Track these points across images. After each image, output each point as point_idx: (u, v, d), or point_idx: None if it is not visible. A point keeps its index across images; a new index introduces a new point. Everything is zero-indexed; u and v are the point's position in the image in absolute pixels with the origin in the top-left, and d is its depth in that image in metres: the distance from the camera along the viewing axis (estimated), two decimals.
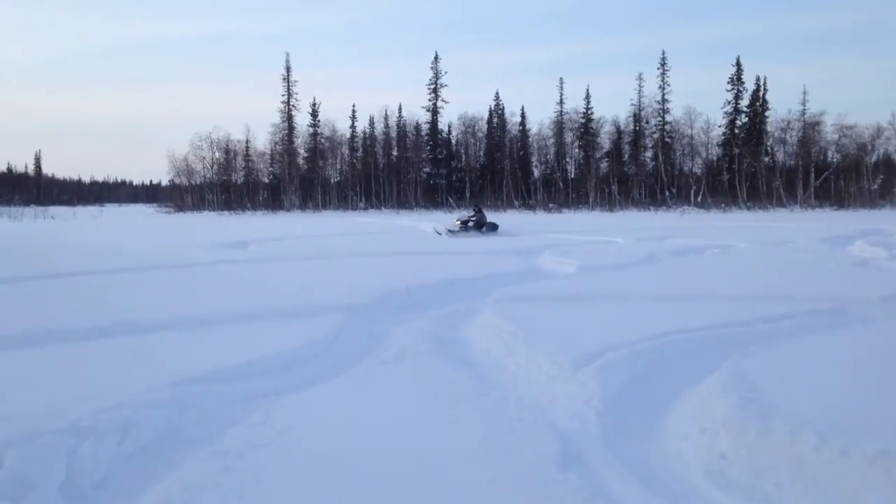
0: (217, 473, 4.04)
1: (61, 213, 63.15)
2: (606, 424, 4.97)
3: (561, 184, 74.71)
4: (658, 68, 70.69)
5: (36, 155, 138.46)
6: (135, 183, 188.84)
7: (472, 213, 26.93)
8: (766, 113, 67.44)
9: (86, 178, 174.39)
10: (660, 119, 71.65)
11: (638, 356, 6.25)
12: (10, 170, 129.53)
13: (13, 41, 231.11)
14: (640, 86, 72.45)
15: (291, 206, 75.88)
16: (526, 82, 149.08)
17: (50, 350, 6.96)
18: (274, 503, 3.69)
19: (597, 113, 75.21)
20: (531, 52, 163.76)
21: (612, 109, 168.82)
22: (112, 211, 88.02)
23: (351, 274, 13.47)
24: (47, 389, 5.43)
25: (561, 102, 75.19)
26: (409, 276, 12.56)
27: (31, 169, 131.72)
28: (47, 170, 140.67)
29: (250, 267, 15.01)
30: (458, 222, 26.14)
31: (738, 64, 67.84)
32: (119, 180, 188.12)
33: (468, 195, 75.26)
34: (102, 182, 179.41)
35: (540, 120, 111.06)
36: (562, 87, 75.23)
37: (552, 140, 77.12)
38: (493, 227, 26.38)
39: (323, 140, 79.90)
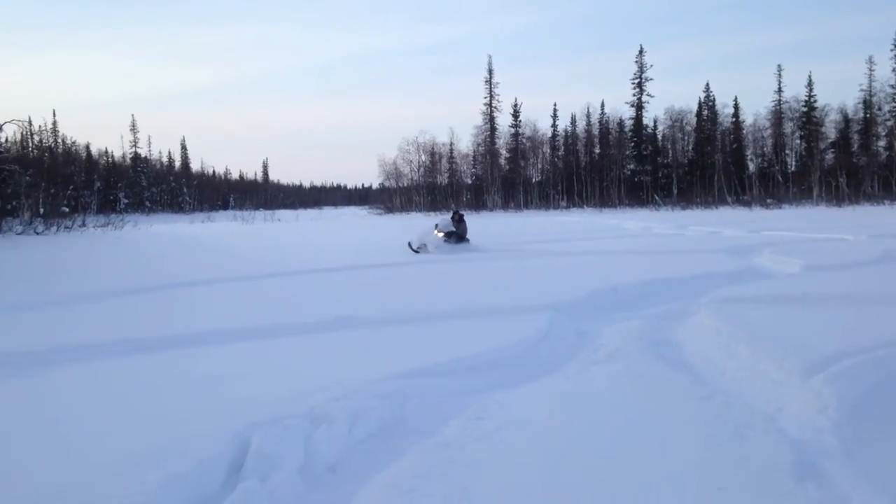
0: (441, 463, 4.19)
1: (286, 216, 68.75)
2: (845, 435, 4.56)
3: (780, 178, 69.65)
4: (892, 49, 63.80)
5: (263, 163, 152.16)
6: (348, 187, 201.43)
7: (450, 221, 20.07)
8: None
9: (306, 184, 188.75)
10: (894, 105, 64.58)
11: (880, 363, 5.68)
12: (241, 177, 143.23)
13: (242, 58, 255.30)
14: (870, 69, 65.86)
15: (494, 206, 77.17)
16: (739, 71, 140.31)
17: (283, 342, 7.63)
18: (495, 496, 3.77)
19: (820, 100, 69.25)
20: (744, 38, 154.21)
21: (838, 96, 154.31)
22: (329, 213, 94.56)
23: (556, 273, 13.46)
24: (285, 377, 5.96)
25: (779, 91, 70.23)
26: (616, 275, 12.34)
27: (259, 176, 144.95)
28: (273, 177, 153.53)
29: (455, 266, 15.45)
30: (441, 234, 19.02)
31: None
32: (334, 185, 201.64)
33: (675, 192, 72.43)
34: (320, 187, 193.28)
35: (755, 110, 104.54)
36: (780, 75, 70.27)
37: (769, 131, 72.22)
38: (464, 240, 19.88)
39: (524, 140, 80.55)
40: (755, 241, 20.42)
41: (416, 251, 18.39)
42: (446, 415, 5.19)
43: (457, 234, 19.38)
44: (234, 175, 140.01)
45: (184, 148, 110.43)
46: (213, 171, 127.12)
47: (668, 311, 9.41)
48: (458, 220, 19.98)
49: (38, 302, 10.77)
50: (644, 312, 9.44)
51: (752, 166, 74.22)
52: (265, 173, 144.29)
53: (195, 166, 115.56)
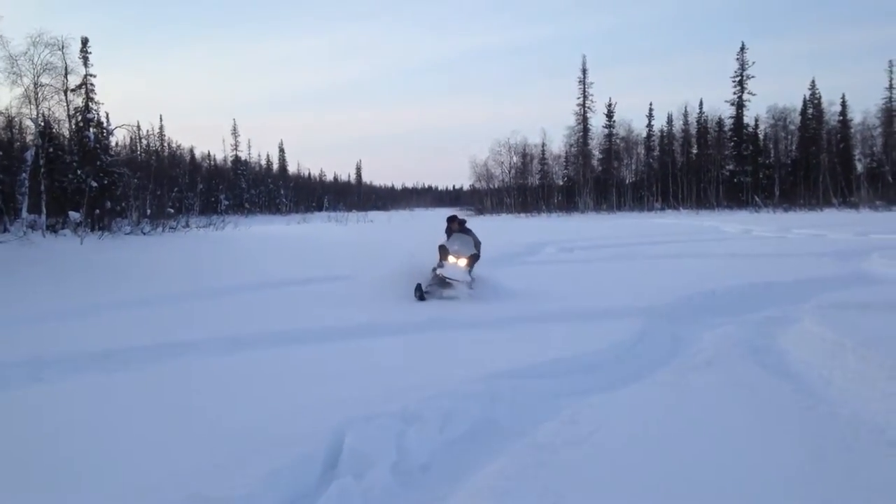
0: (534, 466, 4.18)
1: (378, 217, 69.89)
2: None
3: (890, 178, 65.92)
4: None
5: (357, 165, 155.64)
6: (439, 188, 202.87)
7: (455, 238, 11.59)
8: None
9: (398, 185, 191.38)
10: None
11: None
12: (336, 179, 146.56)
13: (338, 64, 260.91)
14: None
15: (585, 207, 76.19)
16: (847, 68, 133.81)
17: (377, 342, 7.80)
18: (589, 501, 3.73)
19: None
20: (853, 33, 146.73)
21: None
22: (420, 213, 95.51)
23: (651, 275, 13.21)
24: (378, 377, 6.08)
25: (890, 87, 66.66)
26: (714, 278, 12.00)
27: (352, 178, 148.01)
28: (366, 178, 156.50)
29: (551, 267, 15.35)
30: (461, 260, 11.22)
31: None
32: (426, 186, 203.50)
33: (777, 193, 69.64)
34: (412, 188, 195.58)
35: (864, 108, 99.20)
36: (891, 71, 66.59)
37: (879, 130, 68.51)
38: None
39: (618, 140, 79.20)
40: (863, 244, 19.45)
41: (422, 295, 10.83)
42: (539, 417, 5.18)
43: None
44: (329, 177, 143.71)
45: (281, 151, 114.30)
46: (309, 173, 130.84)
47: (770, 317, 9.08)
48: (460, 229, 11.84)
49: (149, 298, 11.37)
50: (744, 318, 9.14)
51: (859, 167, 70.66)
52: (358, 175, 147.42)
53: (292, 169, 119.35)
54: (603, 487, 3.87)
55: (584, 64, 78.53)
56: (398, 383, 5.73)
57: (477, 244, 11.52)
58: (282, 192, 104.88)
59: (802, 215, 50.26)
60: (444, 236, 11.80)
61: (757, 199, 68.14)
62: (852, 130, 70.98)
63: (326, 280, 13.77)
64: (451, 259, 11.13)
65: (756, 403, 5.28)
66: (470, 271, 11.13)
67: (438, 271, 11.03)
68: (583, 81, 78.50)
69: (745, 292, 10.91)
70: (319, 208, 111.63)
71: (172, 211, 37.19)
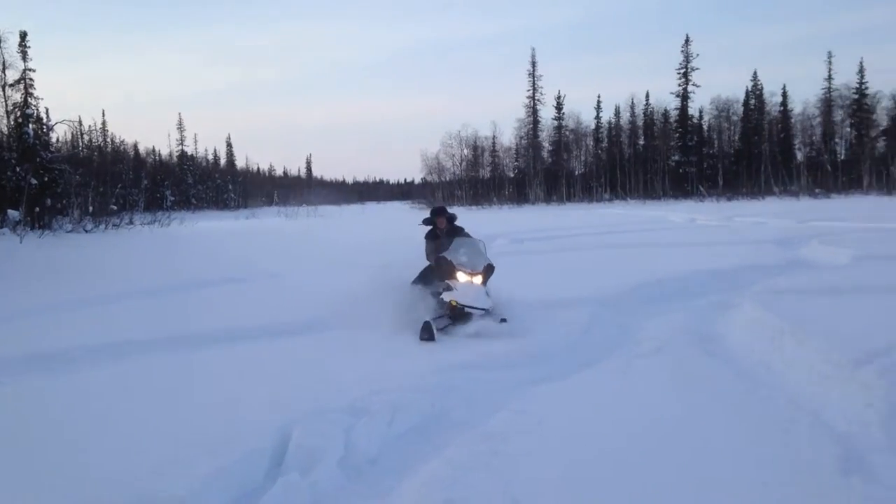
0: (484, 455, 4.18)
1: (329, 212, 69.33)
2: (893, 431, 4.48)
3: (829, 167, 67.97)
4: None
5: (307, 159, 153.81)
6: (390, 182, 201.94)
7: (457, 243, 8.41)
8: None
9: (349, 179, 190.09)
10: None
11: None
12: (285, 174, 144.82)
13: (286, 57, 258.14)
14: None
15: (536, 199, 76.79)
16: (787, 60, 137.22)
17: (323, 337, 7.73)
18: (539, 490, 3.78)
19: (872, 87, 67.25)
20: (793, 26, 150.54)
21: (891, 83, 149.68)
22: (372, 208, 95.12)
23: (599, 265, 13.39)
24: (326, 372, 6.02)
25: (829, 78, 68.64)
26: (661, 267, 12.23)
27: (302, 172, 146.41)
28: (316, 173, 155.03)
29: (501, 259, 15.44)
30: (475, 277, 8.05)
31: None
32: (377, 180, 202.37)
33: (721, 183, 71.15)
34: (363, 182, 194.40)
35: (804, 99, 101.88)
36: (830, 62, 68.62)
37: (818, 120, 70.49)
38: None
39: (567, 132, 79.94)
40: (803, 231, 20.05)
41: (433, 335, 7.42)
42: (490, 408, 5.20)
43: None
44: (279, 172, 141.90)
45: (229, 145, 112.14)
46: (258, 168, 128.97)
47: (714, 304, 9.31)
48: (449, 228, 8.99)
49: (91, 298, 11.09)
50: (689, 305, 9.35)
51: (800, 156, 72.61)
52: (308, 169, 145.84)
53: (240, 163, 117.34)
54: (553, 474, 3.92)
55: (533, 57, 79.11)
56: (346, 378, 5.70)
57: (468, 249, 8.31)
58: (230, 187, 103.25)
59: (745, 204, 51.55)
60: (430, 240, 8.86)
61: (701, 188, 69.56)
62: (793, 121, 72.89)
63: (258, 278, 13.63)
64: (460, 276, 7.95)
65: (698, 389, 5.40)
66: (487, 291, 8.01)
67: (448, 297, 7.86)
68: (532, 74, 78.99)
69: (690, 280, 11.14)
70: (269, 203, 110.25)
71: (116, 208, 36.29)
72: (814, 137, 71.83)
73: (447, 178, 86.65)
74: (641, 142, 78.27)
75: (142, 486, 3.60)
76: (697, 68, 73.32)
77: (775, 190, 66.36)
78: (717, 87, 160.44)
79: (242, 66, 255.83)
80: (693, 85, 73.10)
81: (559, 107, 78.70)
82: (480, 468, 3.97)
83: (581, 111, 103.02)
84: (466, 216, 45.53)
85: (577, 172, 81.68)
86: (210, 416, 4.72)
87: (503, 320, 7.66)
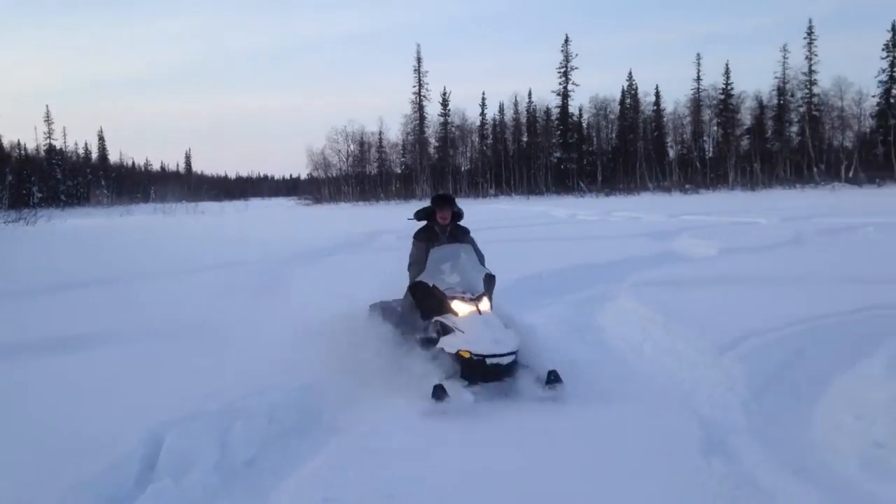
0: (362, 454, 4.19)
1: (210, 208, 67.11)
2: (752, 412, 4.80)
3: (698, 164, 71.88)
4: (804, 38, 66.40)
5: (186, 154, 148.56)
6: (276, 177, 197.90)
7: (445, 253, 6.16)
8: None
9: (231, 174, 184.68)
10: (806, 92, 67.34)
11: (786, 341, 5.98)
12: (163, 168, 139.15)
13: (164, 49, 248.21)
14: (784, 58, 68.41)
15: (423, 194, 77.14)
16: (660, 60, 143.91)
17: (200, 340, 7.42)
18: (415, 487, 3.79)
19: (737, 88, 71.55)
20: (667, 29, 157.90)
21: (754, 84, 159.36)
22: (256, 204, 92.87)
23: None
24: (202, 375, 5.76)
25: (698, 79, 72.30)
26: (543, 261, 12.54)
27: (182, 167, 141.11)
28: (197, 168, 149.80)
29: (387, 255, 15.43)
30: (483, 303, 5.78)
31: (894, 29, 62.50)
32: (262, 175, 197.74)
33: (600, 179, 73.82)
34: (246, 178, 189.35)
35: (676, 98, 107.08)
36: (699, 64, 72.29)
37: (689, 119, 74.31)
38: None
39: (453, 129, 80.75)
40: (674, 225, 21.07)
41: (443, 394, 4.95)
42: (371, 405, 5.17)
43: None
44: (156, 167, 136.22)
45: (101, 139, 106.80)
46: (133, 163, 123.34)
47: (591, 296, 9.64)
48: (452, 230, 6.60)
49: None
50: (568, 298, 9.65)
51: (672, 153, 76.33)
52: (188, 164, 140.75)
53: (114, 158, 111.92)
54: (428, 471, 3.95)
55: (418, 53, 79.32)
56: (225, 379, 5.50)
57: (481, 256, 6.46)
58: (102, 182, 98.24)
59: (622, 199, 53.70)
60: (422, 242, 6.36)
61: (582, 184, 71.98)
62: (665, 119, 76.54)
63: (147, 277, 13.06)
64: (456, 307, 5.63)
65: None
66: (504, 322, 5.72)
67: (451, 345, 5.36)
68: (418, 70, 79.23)
69: (569, 273, 11.48)
70: (146, 200, 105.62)
71: None
72: (684, 136, 75.69)
73: (333, 174, 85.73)
74: (525, 139, 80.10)
75: (2, 501, 3.38)
76: (577, 68, 75.87)
77: (650, 186, 69.50)
78: (596, 87, 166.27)
79: (117, 56, 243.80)
80: (573, 84, 75.48)
81: (445, 103, 79.39)
82: (358, 466, 3.97)
83: (466, 108, 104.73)
84: (353, 213, 45.10)
85: (463, 168, 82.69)
86: (76, 423, 4.44)
87: (553, 378, 5.14)
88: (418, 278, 5.95)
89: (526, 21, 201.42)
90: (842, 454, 4.15)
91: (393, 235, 22.09)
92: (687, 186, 65.47)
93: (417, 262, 6.19)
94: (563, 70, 75.02)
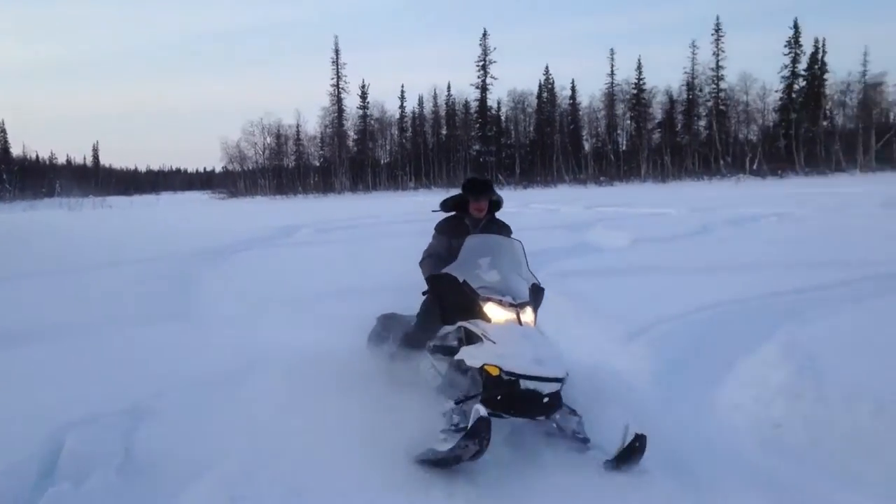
0: (269, 456, 4.05)
1: (118, 203, 64.77)
2: (657, 395, 4.97)
3: (612, 157, 73.73)
4: (712, 34, 68.78)
5: (94, 146, 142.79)
6: (189, 171, 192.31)
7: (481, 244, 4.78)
8: (825, 76, 65.13)
9: (142, 168, 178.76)
10: (714, 86, 69.82)
11: (691, 326, 6.22)
12: (69, 161, 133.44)
13: (70, 37, 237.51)
14: (693, 53, 70.67)
15: (342, 188, 76.52)
16: (576, 55, 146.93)
17: (98, 339, 7.12)
18: (322, 485, 3.72)
19: (649, 83, 73.66)
20: (581, 24, 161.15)
21: (665, 79, 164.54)
22: (167, 198, 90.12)
23: (406, 253, 13.57)
24: (104, 375, 5.54)
25: (612, 74, 74.05)
26: None
27: (89, 160, 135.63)
28: (105, 161, 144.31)
29: (304, 250, 15.24)
30: (525, 313, 4.32)
31: (796, 26, 65.51)
32: (174, 168, 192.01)
33: (518, 171, 74.77)
34: (158, 171, 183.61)
35: (591, 93, 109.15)
36: (612, 59, 74.08)
37: (603, 113, 76.08)
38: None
39: (372, 122, 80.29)
40: (589, 217, 21.53)
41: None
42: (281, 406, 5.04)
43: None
44: (61, 160, 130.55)
45: (2, 131, 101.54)
46: (37, 156, 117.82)
47: None
48: (487, 223, 5.36)
49: None
50: None
51: (587, 146, 77.96)
52: (95, 157, 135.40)
53: (16, 151, 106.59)
54: (334, 468, 3.88)
55: (336, 45, 78.41)
56: (129, 379, 5.29)
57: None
58: (4, 177, 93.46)
59: (539, 191, 54.69)
60: (445, 236, 5.22)
61: (500, 177, 72.76)
62: (581, 113, 78.13)
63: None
64: (490, 311, 4.29)
65: None
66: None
67: (474, 358, 4.03)
68: (336, 62, 78.32)
69: None
70: (50, 194, 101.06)
71: None
72: (599, 129, 77.44)
73: (249, 167, 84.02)
74: (444, 131, 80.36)
75: None
76: (495, 61, 76.40)
77: (566, 178, 70.93)
78: (514, 80, 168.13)
79: (17, 42, 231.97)
80: (491, 77, 76.10)
81: (364, 95, 78.84)
82: (267, 465, 3.88)
83: (385, 100, 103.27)
84: (270, 206, 44.19)
85: (382, 161, 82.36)
86: None
87: (637, 446, 3.75)
88: (446, 269, 4.55)
89: (445, 14, 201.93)
90: (742, 433, 4.34)
91: (311, 229, 21.88)
92: (602, 179, 67.12)
93: (433, 255, 5.05)
94: (481, 63, 75.59)
